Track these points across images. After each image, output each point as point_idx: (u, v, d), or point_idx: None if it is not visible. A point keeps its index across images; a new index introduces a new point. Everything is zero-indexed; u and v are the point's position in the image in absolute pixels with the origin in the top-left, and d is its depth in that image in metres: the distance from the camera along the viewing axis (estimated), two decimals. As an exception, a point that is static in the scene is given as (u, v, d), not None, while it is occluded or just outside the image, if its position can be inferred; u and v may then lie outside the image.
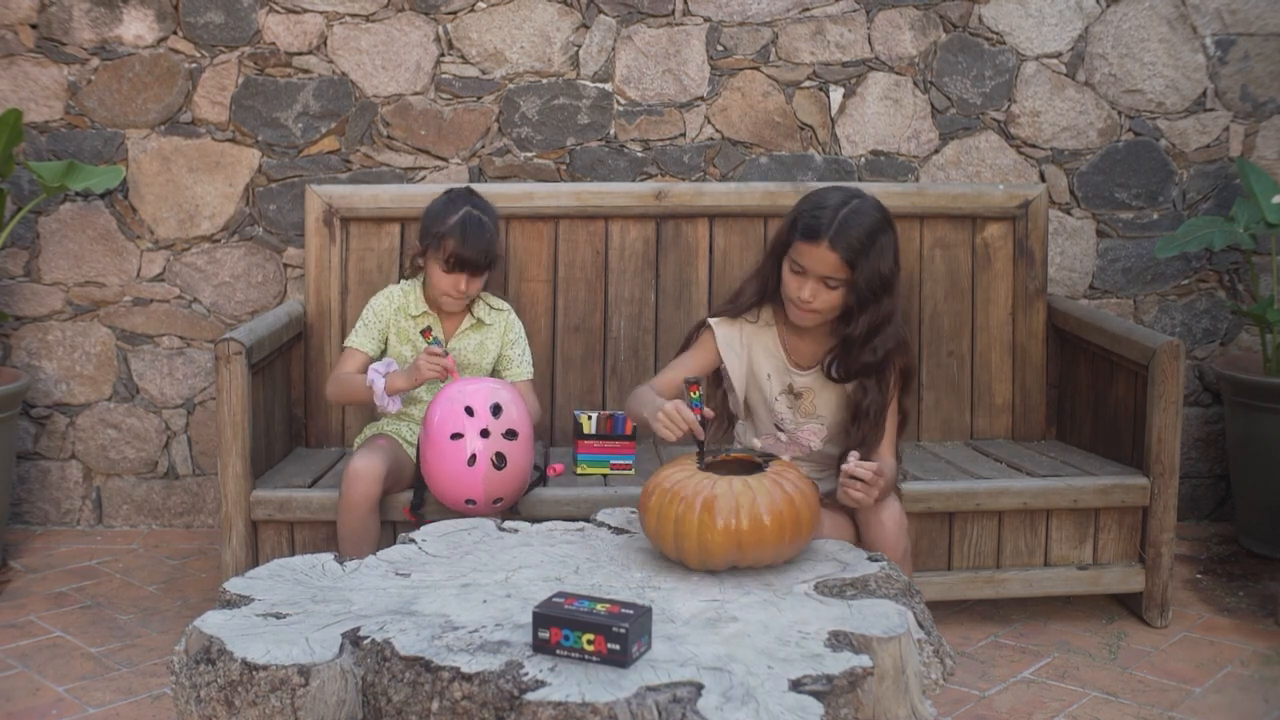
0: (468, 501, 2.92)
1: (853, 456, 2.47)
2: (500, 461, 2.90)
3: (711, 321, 2.75)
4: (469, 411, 2.89)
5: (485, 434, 2.89)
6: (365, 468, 2.97)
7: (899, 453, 2.78)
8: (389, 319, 3.27)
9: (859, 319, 2.60)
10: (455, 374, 3.03)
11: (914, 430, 3.80)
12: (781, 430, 2.77)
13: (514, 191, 3.78)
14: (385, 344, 3.27)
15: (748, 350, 2.75)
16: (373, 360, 3.22)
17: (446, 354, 3.03)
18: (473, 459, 2.88)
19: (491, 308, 3.33)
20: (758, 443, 2.80)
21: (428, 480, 2.97)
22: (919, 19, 4.01)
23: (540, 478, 3.24)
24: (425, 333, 3.07)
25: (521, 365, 3.33)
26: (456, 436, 2.88)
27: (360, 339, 3.25)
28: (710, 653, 1.83)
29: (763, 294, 2.73)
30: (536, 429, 3.70)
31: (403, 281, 3.37)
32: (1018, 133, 4.07)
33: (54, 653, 3.13)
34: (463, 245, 3.13)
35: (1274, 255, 3.99)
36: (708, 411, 2.46)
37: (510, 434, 2.92)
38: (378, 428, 3.27)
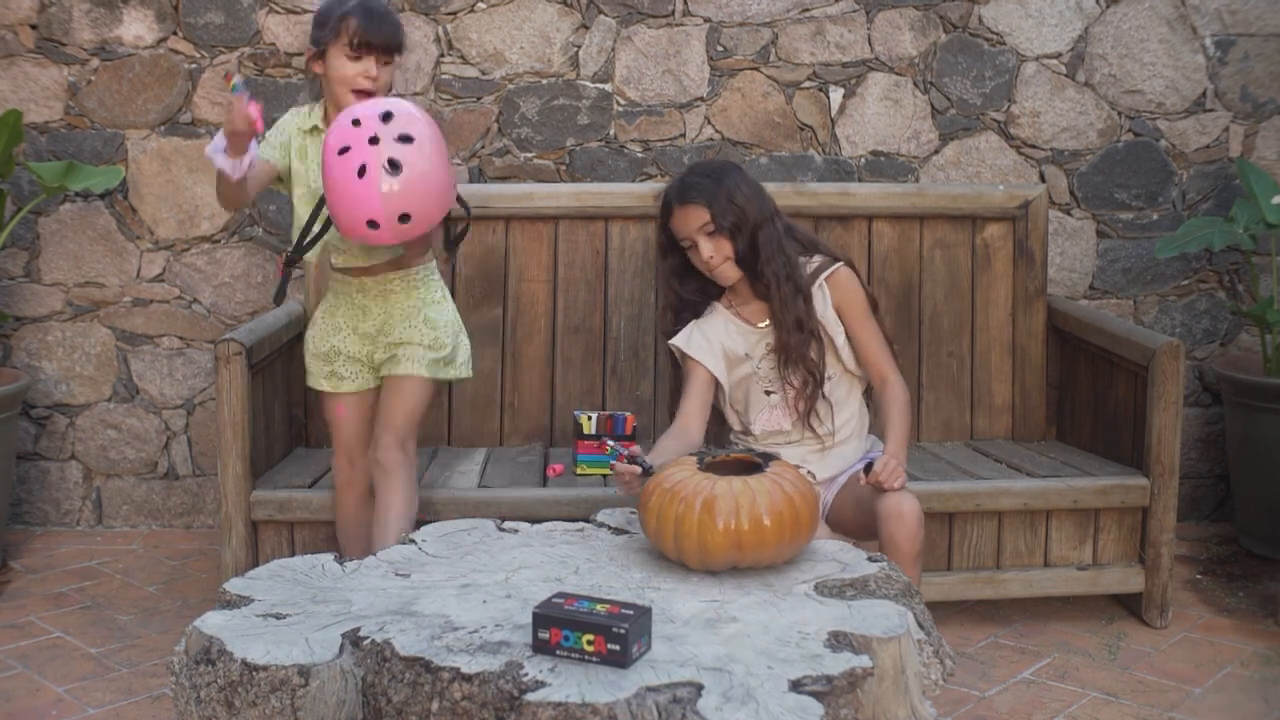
0: (369, 224, 2.56)
1: (862, 474, 2.61)
2: (394, 168, 2.52)
3: (673, 344, 2.88)
4: (355, 123, 2.57)
5: (374, 140, 2.54)
6: (348, 471, 2.98)
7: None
8: (291, 134, 2.92)
9: (736, 243, 2.75)
10: (258, 122, 2.58)
11: (914, 430, 3.80)
12: (771, 393, 2.84)
13: (514, 192, 3.78)
14: (289, 161, 2.92)
15: (709, 342, 2.85)
16: (267, 162, 2.88)
17: (250, 101, 2.56)
18: (362, 169, 2.53)
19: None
20: (759, 421, 2.86)
21: (331, 213, 2.65)
22: (919, 19, 4.01)
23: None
24: (226, 77, 2.65)
25: (465, 366, 3.03)
26: (344, 151, 2.55)
27: (266, 148, 2.87)
28: (710, 653, 1.83)
29: (679, 303, 2.89)
30: (535, 430, 3.71)
31: (305, 106, 2.98)
32: (1018, 133, 4.07)
33: (54, 653, 3.13)
34: (367, 21, 2.77)
35: (1274, 256, 3.99)
36: (633, 450, 2.49)
37: (404, 138, 2.55)
38: (316, 379, 3.01)
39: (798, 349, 2.77)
